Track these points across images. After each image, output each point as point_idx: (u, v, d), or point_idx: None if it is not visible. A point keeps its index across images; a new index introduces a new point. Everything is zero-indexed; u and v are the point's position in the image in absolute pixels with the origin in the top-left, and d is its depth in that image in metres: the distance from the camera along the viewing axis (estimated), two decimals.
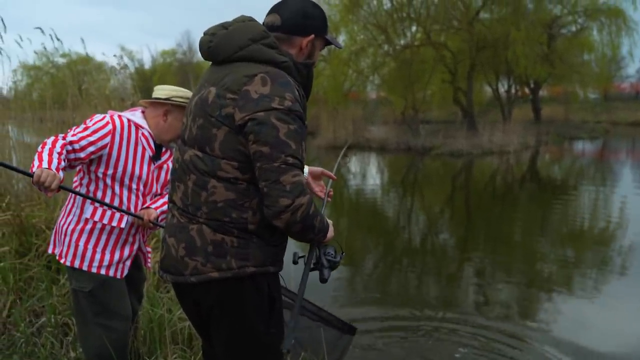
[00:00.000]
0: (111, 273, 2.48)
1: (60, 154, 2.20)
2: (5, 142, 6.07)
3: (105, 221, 2.45)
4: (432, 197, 12.37)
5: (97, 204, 2.44)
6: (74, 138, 2.30)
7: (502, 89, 28.96)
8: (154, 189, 2.57)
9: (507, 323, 4.54)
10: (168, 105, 2.49)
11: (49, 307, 3.47)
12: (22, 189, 5.33)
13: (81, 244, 2.45)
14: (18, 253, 4.08)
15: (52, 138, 2.28)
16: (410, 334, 4.34)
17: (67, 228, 2.48)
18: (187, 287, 1.73)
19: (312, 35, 1.77)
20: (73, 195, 2.49)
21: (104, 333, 2.47)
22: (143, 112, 2.57)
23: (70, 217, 2.49)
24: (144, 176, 2.50)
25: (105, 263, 2.46)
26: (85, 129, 2.37)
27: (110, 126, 2.39)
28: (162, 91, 2.53)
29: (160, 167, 2.57)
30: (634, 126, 34.35)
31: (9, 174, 5.49)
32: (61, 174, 2.12)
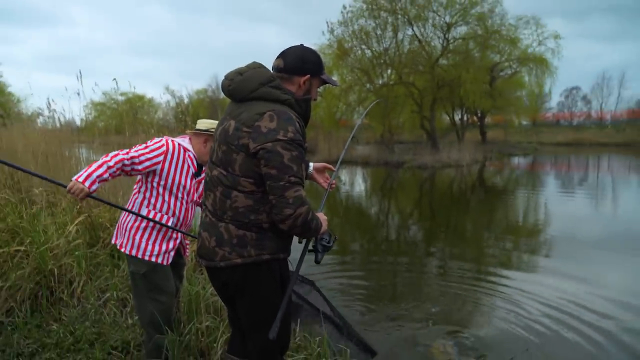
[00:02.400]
0: (159, 260, 2.48)
1: (110, 167, 2.25)
2: (74, 162, 6.07)
3: (157, 230, 2.47)
4: (404, 201, 12.36)
5: (150, 208, 2.47)
6: (135, 154, 2.34)
7: (457, 117, 29.06)
8: (194, 197, 2.59)
9: (460, 283, 4.57)
10: (207, 135, 2.50)
11: (112, 286, 3.48)
12: None
13: (137, 237, 2.46)
14: (88, 244, 4.07)
15: (113, 153, 2.31)
16: (379, 306, 4.31)
17: (127, 224, 2.50)
18: (217, 270, 1.74)
19: (308, 75, 1.75)
20: (134, 199, 2.51)
21: (154, 305, 2.48)
22: (190, 138, 2.59)
23: (130, 216, 2.50)
24: (188, 187, 2.52)
25: (155, 252, 2.47)
26: (146, 147, 2.41)
27: (164, 148, 2.43)
28: (203, 124, 2.55)
29: (199, 182, 2.59)
30: (555, 146, 34.43)
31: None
32: (94, 187, 2.20)
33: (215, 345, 2.56)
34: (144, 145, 2.43)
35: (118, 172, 2.32)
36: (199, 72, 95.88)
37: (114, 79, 6.19)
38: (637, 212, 9.29)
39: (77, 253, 3.66)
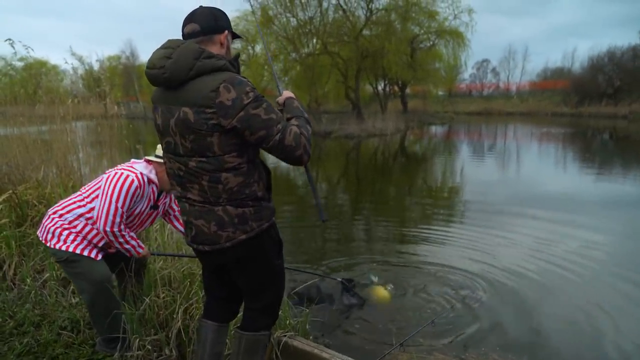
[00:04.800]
0: (86, 253, 2.31)
1: (130, 234, 2.33)
2: None
3: (89, 236, 2.32)
4: (332, 169, 12.66)
5: (90, 222, 2.30)
6: (121, 212, 2.21)
7: (380, 87, 29.91)
8: (144, 226, 2.48)
9: (387, 249, 4.92)
10: None
11: (49, 265, 3.27)
12: (6, 172, 4.87)
13: (64, 233, 2.31)
14: (15, 224, 3.77)
15: (116, 235, 2.25)
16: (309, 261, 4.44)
17: (55, 224, 2.31)
18: (217, 252, 1.74)
19: (226, 31, 1.72)
20: (74, 207, 2.33)
21: (89, 283, 2.34)
22: (153, 166, 2.37)
23: (61, 221, 2.32)
24: (140, 220, 2.41)
25: (80, 247, 2.31)
26: (125, 196, 2.21)
27: (138, 186, 2.25)
28: None
29: (152, 213, 2.46)
30: (469, 115, 37.03)
31: None
32: (144, 248, 2.43)
33: (175, 316, 2.57)
34: (121, 196, 2.19)
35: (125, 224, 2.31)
36: (106, 36, 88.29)
37: (9, 39, 5.44)
38: (538, 174, 10.41)
39: (4, 233, 3.40)
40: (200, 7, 1.70)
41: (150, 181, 2.33)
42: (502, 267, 4.39)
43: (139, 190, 2.26)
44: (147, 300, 2.59)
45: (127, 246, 2.32)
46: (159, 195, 2.43)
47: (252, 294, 1.89)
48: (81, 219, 2.32)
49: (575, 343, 3.09)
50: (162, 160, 2.30)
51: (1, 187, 4.03)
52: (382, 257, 4.72)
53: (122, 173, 2.25)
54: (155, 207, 2.43)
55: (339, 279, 3.36)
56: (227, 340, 2.24)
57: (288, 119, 1.73)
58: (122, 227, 2.24)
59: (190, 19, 1.67)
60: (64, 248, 2.29)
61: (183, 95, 1.59)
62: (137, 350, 2.44)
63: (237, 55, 1.76)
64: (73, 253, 2.29)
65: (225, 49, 1.72)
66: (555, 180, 9.41)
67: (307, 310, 2.79)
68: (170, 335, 2.54)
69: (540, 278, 4.15)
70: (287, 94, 1.88)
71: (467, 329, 3.19)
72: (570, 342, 3.10)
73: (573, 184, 9.05)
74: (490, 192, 8.11)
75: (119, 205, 2.20)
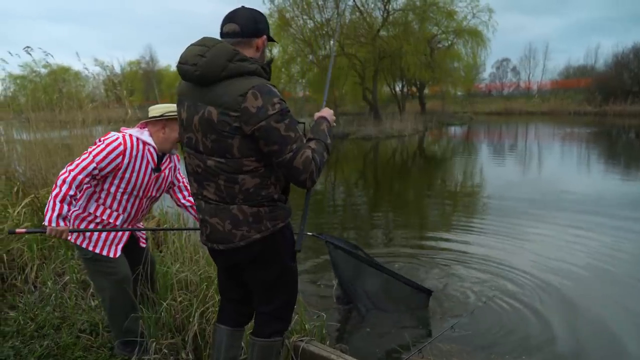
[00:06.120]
0: (104, 252, 2.36)
1: (73, 196, 2.16)
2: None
3: (104, 217, 2.34)
4: (350, 170, 12.61)
5: (100, 202, 2.32)
6: (94, 165, 2.18)
7: (398, 88, 29.72)
8: (151, 193, 2.44)
9: (406, 248, 4.84)
10: (164, 120, 2.33)
11: (69, 268, 3.33)
12: (29, 177, 4.98)
13: (82, 227, 2.34)
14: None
15: (68, 180, 2.15)
16: None
17: (72, 214, 2.34)
18: (231, 251, 1.74)
19: (264, 36, 1.71)
20: (84, 188, 2.31)
21: (110, 284, 2.38)
22: (147, 128, 2.38)
23: (78, 211, 2.35)
24: (145, 185, 2.38)
25: (100, 244, 2.35)
26: (102, 150, 2.21)
27: (122, 147, 2.24)
28: (156, 110, 2.36)
29: (158, 177, 2.43)
30: (488, 115, 36.45)
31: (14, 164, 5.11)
32: (67, 222, 2.19)
33: (191, 320, 2.57)
34: (100, 147, 2.20)
35: (84, 187, 2.23)
36: (126, 41, 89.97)
37: (28, 47, 5.55)
38: (561, 175, 10.16)
39: (26, 236, 3.46)
40: (242, 7, 1.69)
41: (143, 143, 2.32)
42: (525, 270, 4.27)
43: (121, 147, 2.24)
44: (164, 304, 2.59)
45: (56, 202, 2.15)
46: (160, 158, 2.41)
47: (263, 296, 1.88)
48: (92, 201, 2.34)
49: (604, 352, 2.97)
50: (158, 119, 2.32)
51: (24, 191, 4.12)
52: (401, 256, 4.66)
53: (108, 132, 2.32)
54: (157, 169, 2.40)
55: (311, 233, 3.09)
56: (242, 344, 2.22)
57: (309, 139, 1.73)
58: (80, 179, 2.16)
59: (230, 18, 1.66)
60: (90, 248, 2.34)
61: (211, 95, 1.60)
62: (154, 354, 2.45)
63: (271, 61, 1.75)
64: (100, 254, 2.34)
65: (261, 53, 1.71)
66: (579, 181, 9.16)
67: (324, 314, 2.76)
68: (186, 339, 2.54)
69: (566, 281, 4.02)
70: (324, 112, 1.87)
71: (488, 336, 3.10)
72: (598, 350, 2.99)
73: (597, 185, 8.80)
74: (512, 193, 7.93)
75: (95, 157, 2.19)
